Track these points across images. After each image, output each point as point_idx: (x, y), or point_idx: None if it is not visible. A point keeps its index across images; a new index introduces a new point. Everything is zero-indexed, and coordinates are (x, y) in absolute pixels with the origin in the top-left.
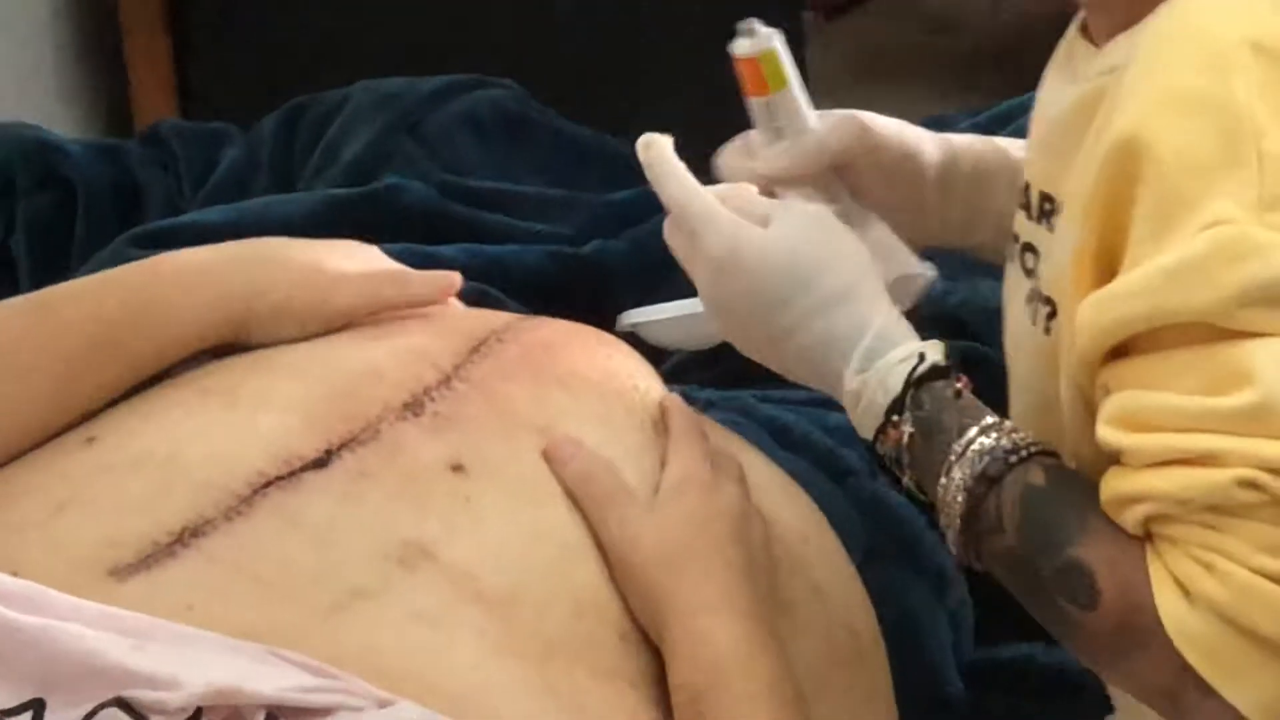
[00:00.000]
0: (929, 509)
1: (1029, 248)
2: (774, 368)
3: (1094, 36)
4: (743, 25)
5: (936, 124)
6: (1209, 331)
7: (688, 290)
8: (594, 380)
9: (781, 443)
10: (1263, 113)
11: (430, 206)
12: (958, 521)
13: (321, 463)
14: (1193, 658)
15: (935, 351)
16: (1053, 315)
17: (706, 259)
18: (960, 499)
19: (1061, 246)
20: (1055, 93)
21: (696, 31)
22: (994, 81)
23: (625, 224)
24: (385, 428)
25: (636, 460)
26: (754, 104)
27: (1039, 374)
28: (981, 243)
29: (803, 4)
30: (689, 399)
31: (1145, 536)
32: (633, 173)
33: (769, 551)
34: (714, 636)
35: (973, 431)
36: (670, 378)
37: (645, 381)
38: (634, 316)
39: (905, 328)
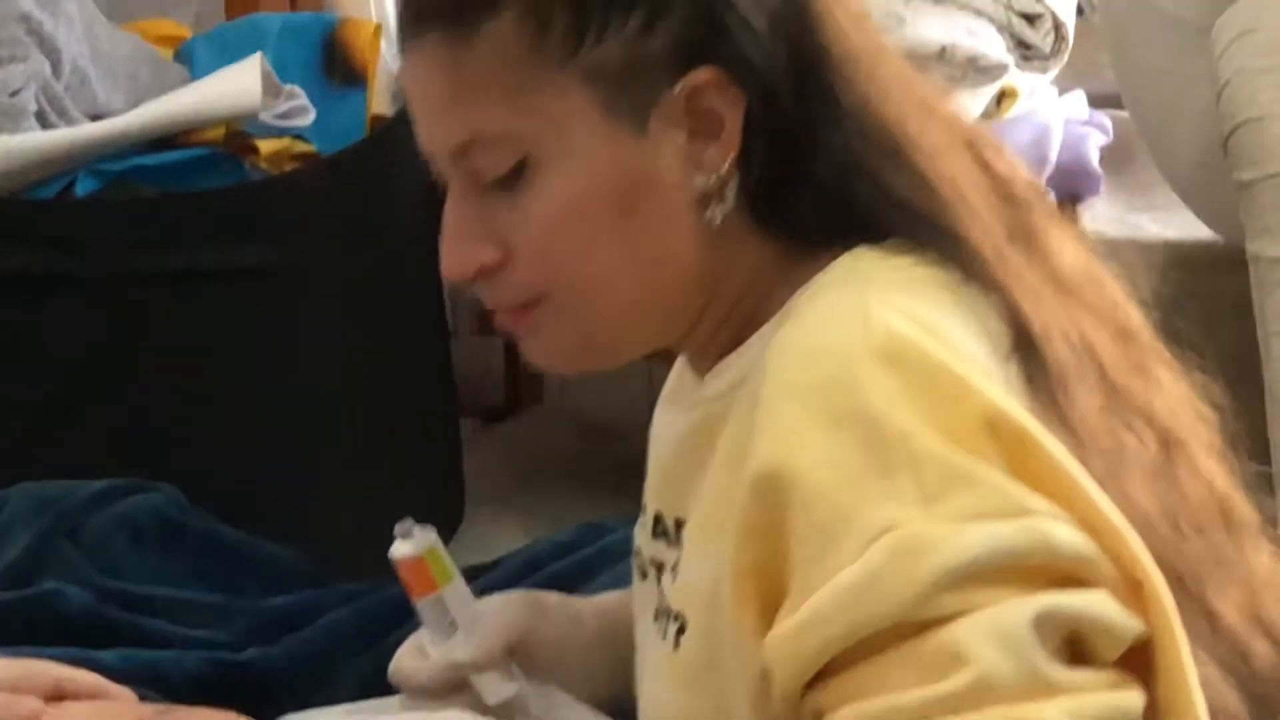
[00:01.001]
0: None
1: (658, 566)
2: None
3: (696, 368)
4: (400, 528)
5: (594, 530)
6: (910, 627)
7: (344, 696)
8: None
9: None
10: (904, 417)
11: (89, 612)
12: None
13: None
14: None
15: None
16: (682, 631)
17: None
18: None
19: (693, 567)
20: (670, 422)
21: (359, 437)
22: None
23: (284, 630)
24: None
25: None
26: (422, 603)
27: (673, 689)
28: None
29: (459, 411)
30: None
31: None
32: (291, 578)
33: None
34: None
35: None
36: None
37: None
38: None
39: None
